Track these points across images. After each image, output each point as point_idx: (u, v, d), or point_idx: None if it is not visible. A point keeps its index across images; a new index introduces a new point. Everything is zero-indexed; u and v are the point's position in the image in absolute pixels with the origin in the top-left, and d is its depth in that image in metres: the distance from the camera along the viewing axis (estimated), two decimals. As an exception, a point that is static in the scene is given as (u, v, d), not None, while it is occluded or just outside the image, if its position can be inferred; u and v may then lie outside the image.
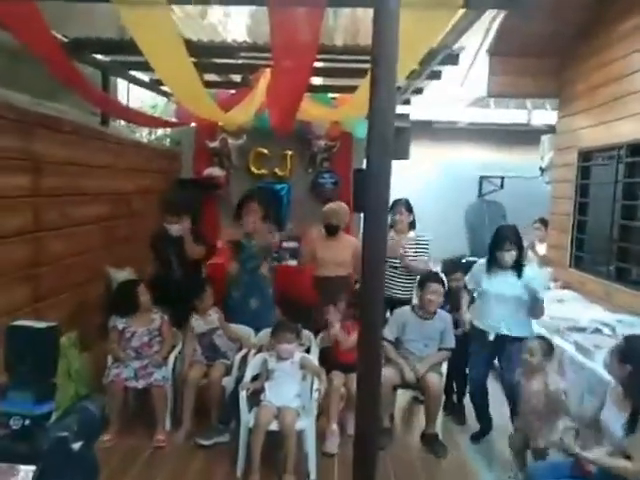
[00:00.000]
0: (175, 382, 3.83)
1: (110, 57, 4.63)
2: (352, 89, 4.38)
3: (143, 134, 6.48)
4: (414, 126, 6.51)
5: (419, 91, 5.85)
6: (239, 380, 3.65)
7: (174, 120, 5.04)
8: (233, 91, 4.84)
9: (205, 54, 4.30)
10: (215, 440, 3.50)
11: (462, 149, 10.35)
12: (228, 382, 3.72)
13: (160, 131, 6.86)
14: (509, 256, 3.52)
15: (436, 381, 3.52)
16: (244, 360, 3.80)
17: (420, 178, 9.16)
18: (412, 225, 4.34)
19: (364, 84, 3.75)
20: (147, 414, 3.66)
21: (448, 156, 9.11)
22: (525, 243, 6.63)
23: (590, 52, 5.48)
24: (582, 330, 4.09)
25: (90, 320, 4.20)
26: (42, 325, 1.39)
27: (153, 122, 4.33)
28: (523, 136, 10.32)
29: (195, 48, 4.03)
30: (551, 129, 10.23)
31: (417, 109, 10.68)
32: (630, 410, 2.41)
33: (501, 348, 3.56)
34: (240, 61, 4.46)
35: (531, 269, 3.84)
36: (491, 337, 3.55)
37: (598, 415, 2.62)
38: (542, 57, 6.02)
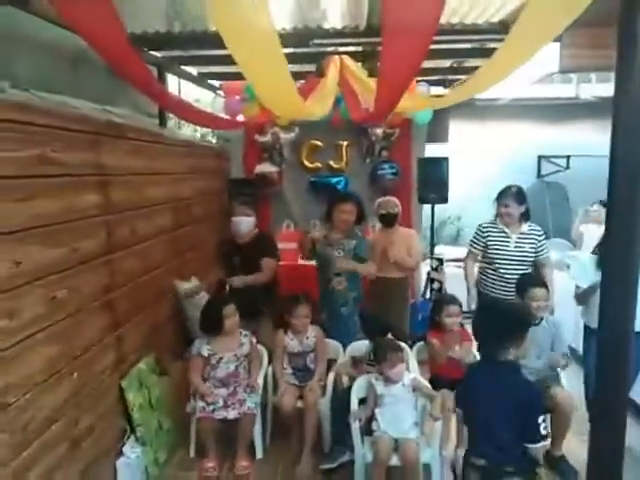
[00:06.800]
0: (263, 406, 3.53)
1: (163, 52, 4.25)
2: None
3: (187, 131, 6.09)
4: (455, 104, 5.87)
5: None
6: (334, 401, 3.35)
7: (228, 118, 4.64)
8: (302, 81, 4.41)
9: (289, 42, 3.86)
10: (340, 461, 3.19)
11: (508, 126, 9.81)
12: (324, 405, 3.39)
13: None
14: None
15: (567, 395, 3.13)
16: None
17: (468, 162, 8.69)
18: (525, 217, 3.90)
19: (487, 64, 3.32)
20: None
21: (495, 135, 8.55)
22: (581, 227, 6.14)
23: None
24: None
25: (163, 340, 3.89)
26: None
27: (214, 122, 3.94)
28: (570, 110, 9.77)
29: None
30: (601, 101, 9.69)
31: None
32: None
33: None
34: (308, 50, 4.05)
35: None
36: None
37: None
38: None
